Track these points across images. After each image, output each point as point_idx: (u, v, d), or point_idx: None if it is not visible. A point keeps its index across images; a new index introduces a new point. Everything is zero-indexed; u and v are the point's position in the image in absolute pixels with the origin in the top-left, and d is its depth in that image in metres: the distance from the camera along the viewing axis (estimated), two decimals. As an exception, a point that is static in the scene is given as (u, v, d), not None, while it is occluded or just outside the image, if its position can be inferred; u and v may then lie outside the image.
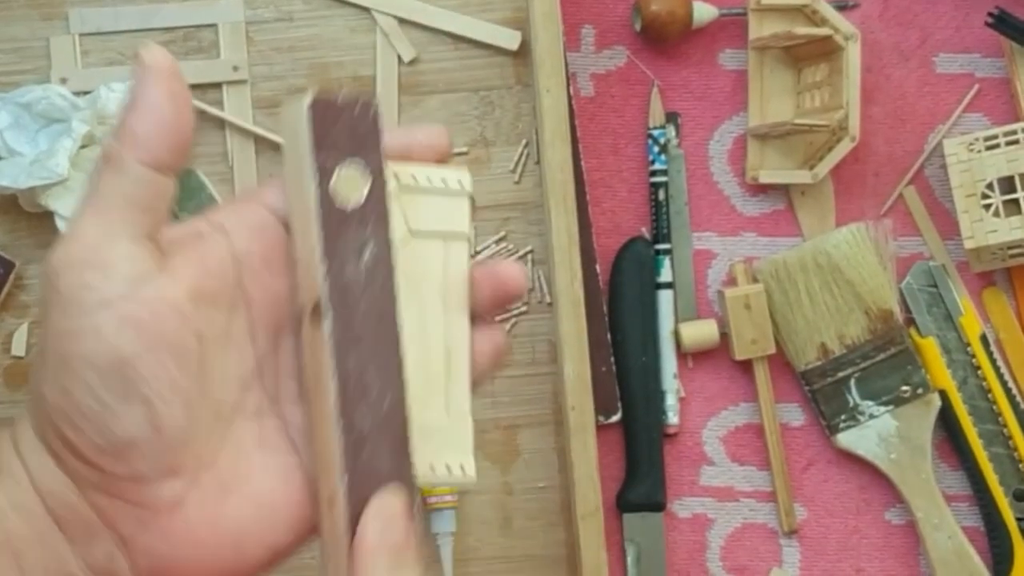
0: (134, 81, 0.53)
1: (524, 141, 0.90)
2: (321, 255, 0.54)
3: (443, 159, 0.58)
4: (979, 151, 0.88)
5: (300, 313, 0.55)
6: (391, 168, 0.57)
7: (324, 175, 0.54)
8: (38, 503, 0.52)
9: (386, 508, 0.54)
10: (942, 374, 0.91)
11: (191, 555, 0.54)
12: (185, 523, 0.54)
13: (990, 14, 0.90)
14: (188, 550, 0.54)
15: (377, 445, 0.55)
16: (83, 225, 0.51)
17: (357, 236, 0.55)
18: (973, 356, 0.91)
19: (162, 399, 0.51)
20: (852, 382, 0.91)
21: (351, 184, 0.55)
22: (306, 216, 0.54)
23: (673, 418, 0.92)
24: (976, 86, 0.93)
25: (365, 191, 0.55)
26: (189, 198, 0.88)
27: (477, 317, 0.58)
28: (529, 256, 0.90)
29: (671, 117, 0.93)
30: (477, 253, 0.89)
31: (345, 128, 0.55)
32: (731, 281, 0.92)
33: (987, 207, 0.88)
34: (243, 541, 0.55)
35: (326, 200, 0.54)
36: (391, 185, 0.57)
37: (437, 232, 0.57)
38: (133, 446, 0.51)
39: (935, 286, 0.92)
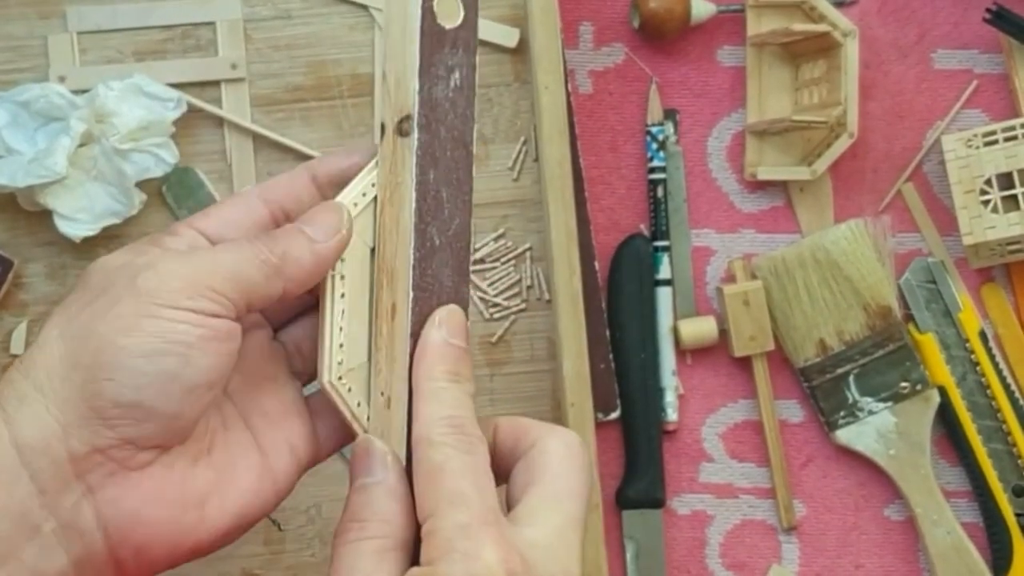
0: (322, 216, 0.59)
1: (522, 138, 0.90)
2: (418, 69, 0.56)
3: None
4: (977, 147, 0.88)
5: (384, 127, 0.57)
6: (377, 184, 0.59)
7: None
8: (13, 455, 0.55)
9: (453, 317, 0.58)
10: (941, 370, 0.91)
11: (155, 512, 0.57)
12: (152, 480, 0.57)
13: (988, 10, 0.90)
14: (153, 507, 0.57)
15: (442, 262, 0.57)
16: (213, 267, 0.57)
17: (450, 57, 0.57)
18: (972, 352, 0.91)
19: (196, 393, 0.57)
20: (851, 378, 0.91)
21: (450, 8, 0.57)
22: (406, 30, 0.56)
23: (672, 415, 0.92)
24: (974, 82, 0.93)
25: (460, 18, 0.57)
26: (187, 196, 0.88)
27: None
28: (527, 253, 0.90)
29: (669, 114, 0.93)
30: (476, 251, 0.89)
31: None
32: (730, 278, 0.92)
33: (985, 203, 0.88)
34: (207, 504, 0.59)
35: (428, 16, 0.56)
36: (368, 201, 0.59)
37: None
38: (151, 415, 0.56)
39: (934, 282, 0.92)
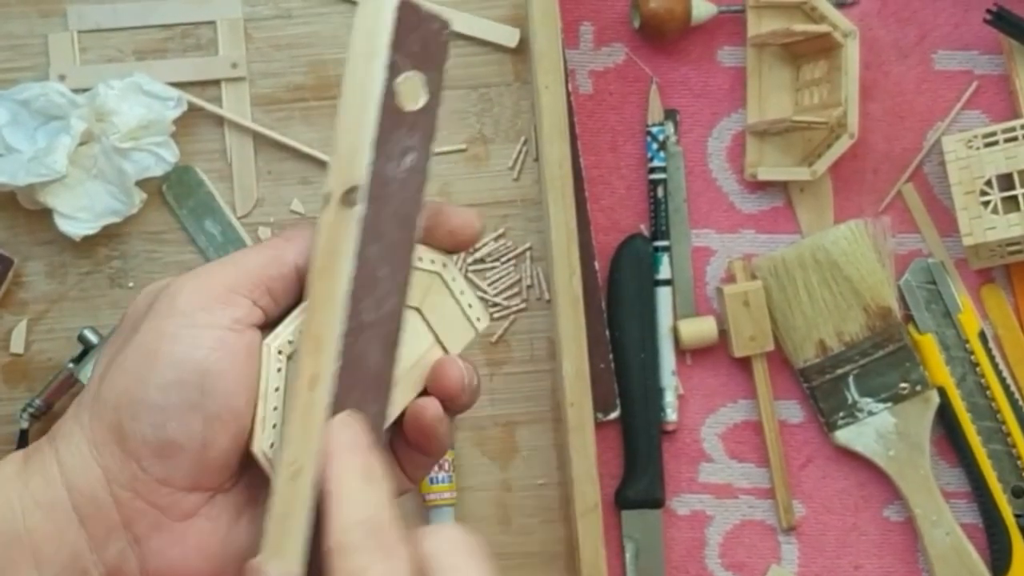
0: None
1: (523, 138, 0.90)
2: (372, 143, 0.55)
3: (473, 241, 0.61)
4: (978, 148, 0.88)
5: (328, 196, 0.56)
6: (446, 258, 0.59)
7: (394, 72, 0.55)
8: (65, 499, 0.55)
9: (356, 418, 0.55)
10: (940, 371, 0.91)
11: (199, 566, 0.56)
12: (198, 534, 0.56)
13: (989, 11, 0.90)
14: (196, 560, 0.56)
15: (371, 339, 0.56)
16: (220, 269, 0.56)
17: (406, 139, 0.56)
18: (972, 353, 0.91)
19: (221, 420, 0.55)
20: (851, 379, 0.91)
21: (412, 91, 0.56)
22: (364, 105, 0.56)
23: (672, 415, 0.92)
24: (975, 83, 0.93)
25: (422, 102, 0.57)
26: (187, 195, 0.88)
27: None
28: (528, 253, 0.90)
29: (670, 114, 0.93)
30: (476, 250, 0.89)
31: (421, 38, 0.56)
32: (730, 278, 0.92)
33: (986, 204, 0.88)
34: (248, 559, 0.56)
35: (390, 94, 0.56)
36: (439, 267, 0.59)
37: (435, 333, 0.60)
38: (178, 451, 0.54)
39: (934, 283, 0.92)
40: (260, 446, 0.56)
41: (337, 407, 0.55)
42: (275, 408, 0.57)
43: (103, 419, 0.55)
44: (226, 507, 0.57)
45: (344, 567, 0.51)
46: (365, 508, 0.52)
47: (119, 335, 0.58)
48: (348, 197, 0.56)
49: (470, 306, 0.61)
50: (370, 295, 0.56)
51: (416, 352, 0.59)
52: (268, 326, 0.57)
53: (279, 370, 0.57)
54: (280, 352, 0.57)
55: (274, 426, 0.57)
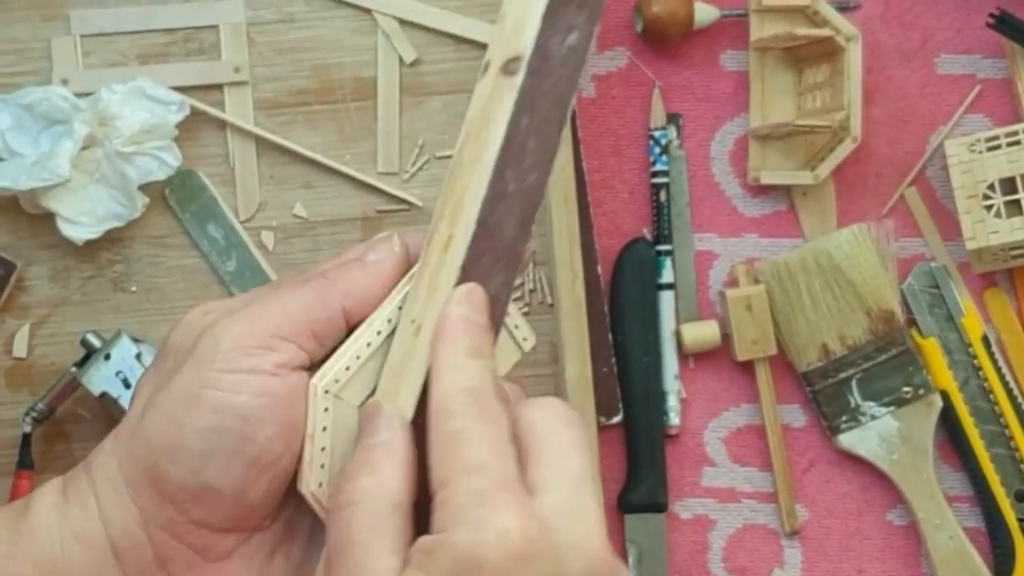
0: (376, 242, 0.58)
1: (525, 142, 0.90)
2: (542, 15, 0.56)
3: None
4: (980, 152, 0.88)
5: (487, 64, 0.57)
6: None
7: None
8: (102, 533, 0.55)
9: (474, 294, 0.55)
10: (943, 375, 0.91)
11: None
12: (232, 574, 0.56)
13: (991, 15, 0.90)
14: None
15: (510, 210, 0.56)
16: (266, 311, 0.55)
17: (574, 17, 0.57)
18: (975, 357, 0.91)
19: (260, 465, 0.54)
20: (853, 383, 0.91)
21: None
22: None
23: (674, 419, 0.92)
24: (977, 87, 0.93)
25: None
26: (190, 199, 0.88)
27: None
28: (530, 257, 0.90)
29: (672, 118, 0.93)
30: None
31: None
32: (732, 282, 0.92)
33: (988, 208, 0.88)
34: None
35: None
36: None
37: None
38: (216, 496, 0.54)
39: (936, 287, 0.92)
40: (309, 487, 0.56)
41: (466, 272, 0.55)
42: (323, 448, 0.56)
43: (140, 459, 0.54)
44: (261, 546, 0.57)
45: (444, 429, 0.52)
46: (468, 378, 0.53)
47: (158, 367, 0.57)
48: (509, 66, 0.56)
49: (516, 327, 0.60)
50: (516, 165, 0.56)
51: None
52: (314, 366, 0.56)
53: (326, 410, 0.56)
54: (327, 391, 0.56)
55: (322, 466, 0.56)
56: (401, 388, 0.55)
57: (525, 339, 0.61)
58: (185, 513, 0.54)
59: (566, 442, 0.52)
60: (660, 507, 0.91)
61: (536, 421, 0.52)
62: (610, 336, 0.91)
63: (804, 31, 0.88)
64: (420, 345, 0.55)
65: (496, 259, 0.56)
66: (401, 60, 0.89)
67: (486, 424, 0.52)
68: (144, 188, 0.85)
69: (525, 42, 0.56)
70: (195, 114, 0.87)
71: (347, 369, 0.56)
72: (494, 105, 0.56)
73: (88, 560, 0.55)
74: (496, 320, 0.56)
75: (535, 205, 0.57)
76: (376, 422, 0.54)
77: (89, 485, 0.55)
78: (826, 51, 0.89)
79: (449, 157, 0.89)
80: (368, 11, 0.88)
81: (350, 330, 0.57)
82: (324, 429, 0.56)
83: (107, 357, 0.83)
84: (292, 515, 0.57)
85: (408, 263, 0.58)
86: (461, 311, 0.54)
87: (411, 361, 0.55)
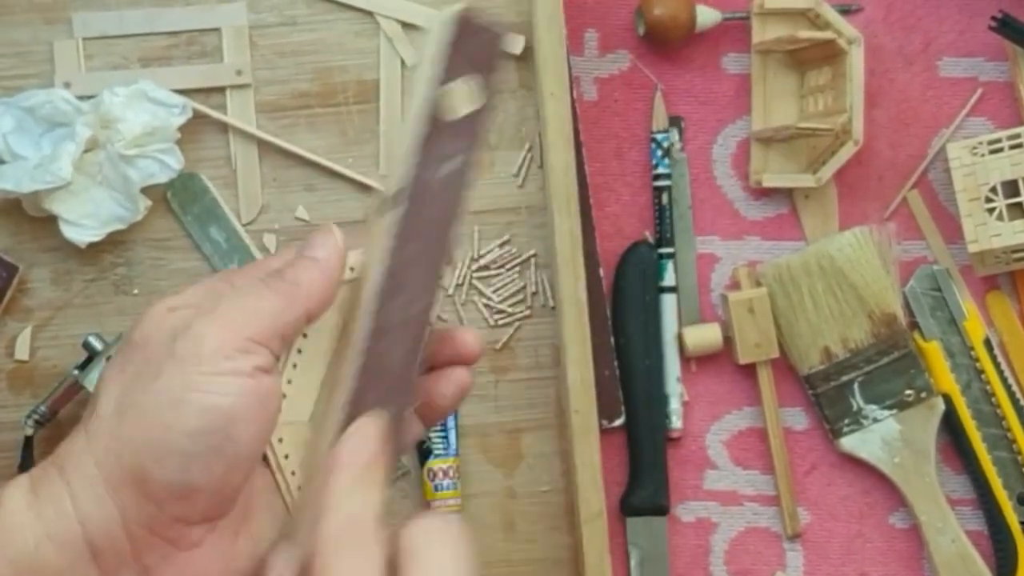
0: (317, 240, 0.60)
1: (527, 145, 0.90)
2: (418, 149, 0.58)
3: (472, 361, 0.65)
4: (983, 155, 0.88)
5: (377, 201, 0.59)
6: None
7: (443, 80, 0.58)
8: (78, 532, 0.56)
9: (363, 429, 0.58)
10: (946, 378, 0.91)
11: None
12: (203, 559, 0.58)
13: (993, 18, 0.90)
14: None
15: (395, 341, 0.58)
16: (239, 315, 0.58)
17: (449, 145, 0.59)
18: (977, 360, 0.91)
19: (238, 463, 0.57)
20: (856, 386, 0.91)
21: (463, 98, 0.59)
22: (417, 111, 0.58)
23: (676, 422, 0.92)
24: (980, 90, 0.93)
25: (472, 109, 0.59)
26: (192, 202, 0.88)
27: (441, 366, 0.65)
28: (532, 260, 0.90)
29: (674, 121, 0.93)
30: (480, 257, 0.89)
31: (476, 48, 0.59)
32: (734, 285, 0.92)
33: (991, 211, 0.88)
34: None
35: (438, 103, 0.58)
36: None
37: None
38: (198, 492, 0.56)
39: (939, 290, 0.92)
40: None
41: (356, 405, 0.58)
42: (292, 472, 0.60)
43: (122, 460, 0.56)
44: (225, 531, 0.59)
45: (319, 563, 0.54)
46: (350, 509, 0.55)
47: (123, 363, 0.58)
48: (390, 202, 0.58)
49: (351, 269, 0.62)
50: (400, 296, 0.58)
51: None
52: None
53: (299, 351, 0.60)
54: (280, 440, 0.60)
55: (283, 396, 0.59)
56: (301, 522, 0.58)
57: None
58: (166, 510, 0.56)
59: (441, 558, 0.55)
60: (662, 510, 0.91)
61: (414, 539, 0.55)
62: (612, 339, 0.91)
63: (806, 34, 0.88)
64: (316, 479, 0.58)
65: (387, 389, 0.58)
66: (403, 63, 0.89)
67: (356, 559, 0.54)
68: (146, 191, 0.85)
69: (401, 178, 0.58)
70: (197, 117, 0.87)
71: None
72: (376, 241, 0.58)
73: (63, 559, 0.56)
74: (399, 443, 0.59)
75: (422, 332, 0.59)
76: (275, 565, 0.57)
77: (63, 484, 0.56)
78: (828, 54, 0.89)
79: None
80: (370, 14, 0.89)
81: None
82: (286, 457, 0.60)
83: (109, 360, 0.83)
84: (248, 497, 0.60)
85: (345, 253, 0.61)
86: (349, 447, 0.57)
87: (306, 495, 0.58)
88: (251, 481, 0.59)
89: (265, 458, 0.60)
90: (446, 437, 0.88)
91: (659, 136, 0.92)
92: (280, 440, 0.60)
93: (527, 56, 0.89)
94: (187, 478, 0.55)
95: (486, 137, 0.60)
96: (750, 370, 0.92)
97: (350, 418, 0.58)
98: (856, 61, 0.88)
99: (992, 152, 0.88)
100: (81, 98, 0.85)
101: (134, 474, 0.56)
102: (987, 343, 0.91)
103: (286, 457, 0.60)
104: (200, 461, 0.55)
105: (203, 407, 0.55)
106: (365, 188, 0.88)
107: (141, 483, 0.56)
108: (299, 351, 0.60)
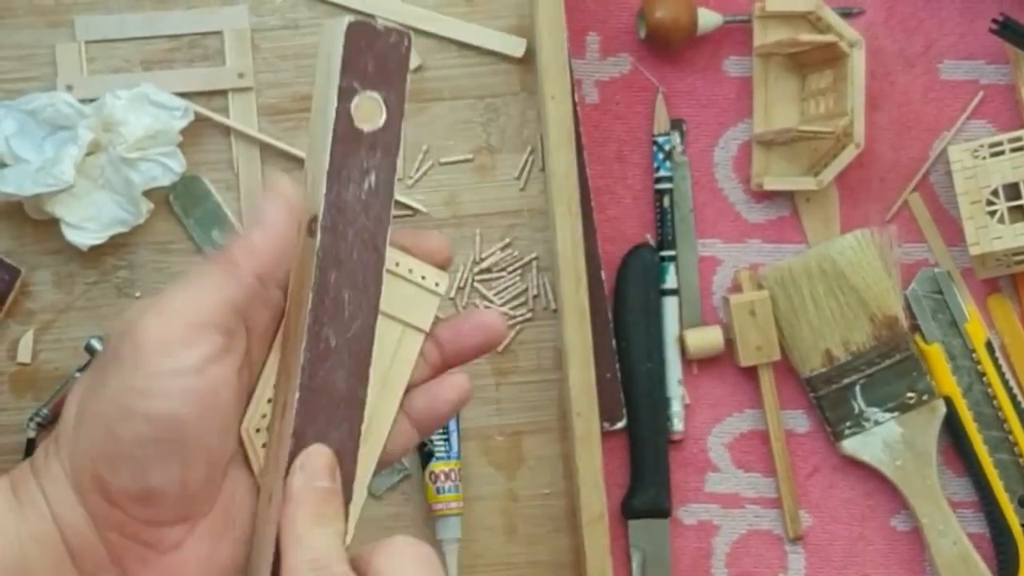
0: (261, 201, 0.58)
1: (529, 148, 0.90)
2: (327, 172, 0.56)
3: (441, 266, 0.61)
4: (984, 157, 0.88)
5: (299, 226, 0.57)
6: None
7: (346, 96, 0.56)
8: (57, 535, 0.56)
9: (313, 460, 0.57)
10: (947, 380, 0.91)
11: None
12: (184, 562, 0.57)
13: (994, 20, 0.90)
14: None
15: (337, 364, 0.57)
16: (179, 302, 0.55)
17: (366, 160, 0.57)
18: (978, 362, 0.91)
19: (197, 460, 0.56)
20: (857, 388, 0.91)
21: (370, 110, 0.57)
22: (323, 132, 0.56)
23: (678, 424, 0.92)
24: (981, 93, 0.93)
25: (381, 121, 0.57)
26: (194, 205, 0.88)
27: (451, 364, 0.62)
28: (534, 263, 0.90)
29: (676, 124, 0.93)
30: (482, 259, 0.89)
31: (377, 56, 0.57)
32: (736, 288, 0.92)
33: (992, 213, 0.88)
34: None
35: (343, 119, 0.56)
36: None
37: (400, 319, 0.60)
38: (160, 495, 0.55)
39: (940, 292, 0.92)
40: (247, 425, 0.58)
41: (301, 436, 0.56)
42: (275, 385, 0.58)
43: (83, 469, 0.55)
44: (207, 532, 0.58)
45: None
46: (312, 549, 0.54)
47: (93, 365, 0.58)
48: (310, 226, 0.57)
49: (423, 277, 0.61)
50: (333, 321, 0.56)
51: (389, 349, 0.60)
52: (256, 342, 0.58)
53: (264, 445, 0.58)
54: (258, 430, 0.58)
55: (269, 400, 0.58)
56: (261, 561, 0.57)
57: (437, 284, 0.61)
58: (132, 514, 0.56)
59: None
60: (664, 513, 0.91)
61: (384, 565, 0.54)
62: (614, 342, 0.91)
63: (807, 37, 0.89)
64: (272, 517, 0.56)
65: (333, 414, 0.57)
66: (405, 66, 0.89)
67: None
68: (148, 194, 0.85)
69: (316, 201, 0.56)
70: (199, 120, 0.87)
71: (269, 401, 0.58)
72: (304, 267, 0.57)
73: (46, 560, 0.56)
74: (346, 473, 0.57)
75: (365, 350, 0.57)
76: None
77: (38, 488, 0.56)
78: (829, 57, 0.89)
79: (453, 163, 0.90)
80: (372, 16, 0.89)
81: (282, 316, 0.58)
82: (264, 446, 0.59)
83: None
84: (229, 502, 0.59)
85: (297, 201, 0.58)
86: (300, 481, 0.56)
87: (264, 533, 0.57)
88: (231, 487, 0.58)
89: (246, 458, 0.59)
90: (448, 440, 0.88)
91: (660, 139, 0.92)
92: (263, 445, 0.59)
93: (529, 59, 0.89)
94: (144, 484, 0.55)
95: (400, 147, 0.58)
96: (751, 373, 0.92)
97: (298, 447, 0.56)
98: (857, 64, 0.88)
99: (993, 155, 0.88)
100: (83, 101, 0.85)
101: (95, 482, 0.55)
102: (988, 345, 0.91)
103: (263, 446, 0.59)
104: (155, 466, 0.54)
105: (148, 416, 0.54)
106: (367, 191, 0.88)
107: (102, 490, 0.55)
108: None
